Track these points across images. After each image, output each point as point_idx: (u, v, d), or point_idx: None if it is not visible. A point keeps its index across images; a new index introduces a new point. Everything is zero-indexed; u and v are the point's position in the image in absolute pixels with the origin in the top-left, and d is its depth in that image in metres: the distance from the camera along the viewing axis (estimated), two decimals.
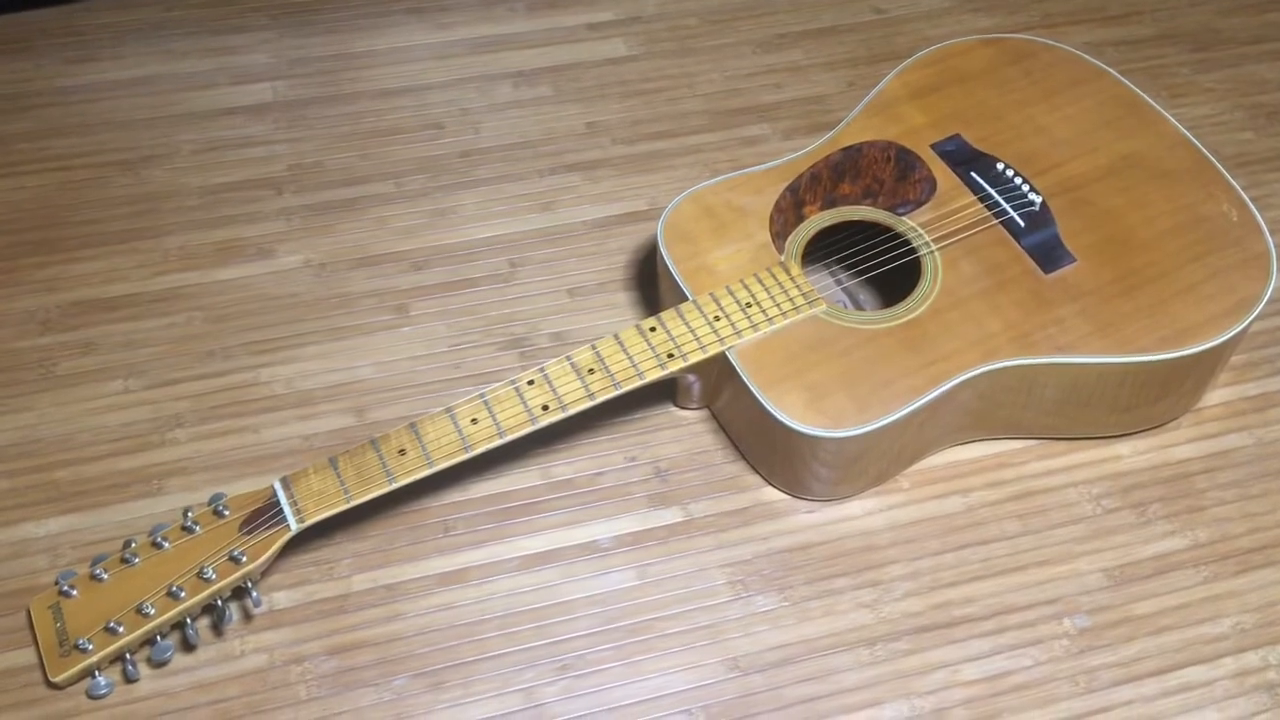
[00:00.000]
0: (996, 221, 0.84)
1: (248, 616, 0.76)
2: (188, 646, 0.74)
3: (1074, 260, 0.82)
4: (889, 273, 0.86)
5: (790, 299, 0.80)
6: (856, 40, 1.14)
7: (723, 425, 0.85)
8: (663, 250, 0.83)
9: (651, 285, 0.94)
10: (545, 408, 0.76)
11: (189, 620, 0.72)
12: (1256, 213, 0.84)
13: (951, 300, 0.80)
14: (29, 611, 0.74)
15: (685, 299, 0.80)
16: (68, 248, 0.95)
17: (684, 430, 0.86)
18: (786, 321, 0.79)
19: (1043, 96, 0.93)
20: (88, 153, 1.02)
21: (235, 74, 1.09)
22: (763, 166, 0.87)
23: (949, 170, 0.88)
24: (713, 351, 0.78)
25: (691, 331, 0.79)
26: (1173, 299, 0.80)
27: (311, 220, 0.98)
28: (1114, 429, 0.85)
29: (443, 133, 1.05)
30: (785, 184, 0.86)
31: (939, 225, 0.85)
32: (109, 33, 1.12)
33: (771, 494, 0.82)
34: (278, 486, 0.74)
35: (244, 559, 0.72)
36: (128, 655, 0.71)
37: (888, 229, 0.86)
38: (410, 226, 0.98)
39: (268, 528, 0.73)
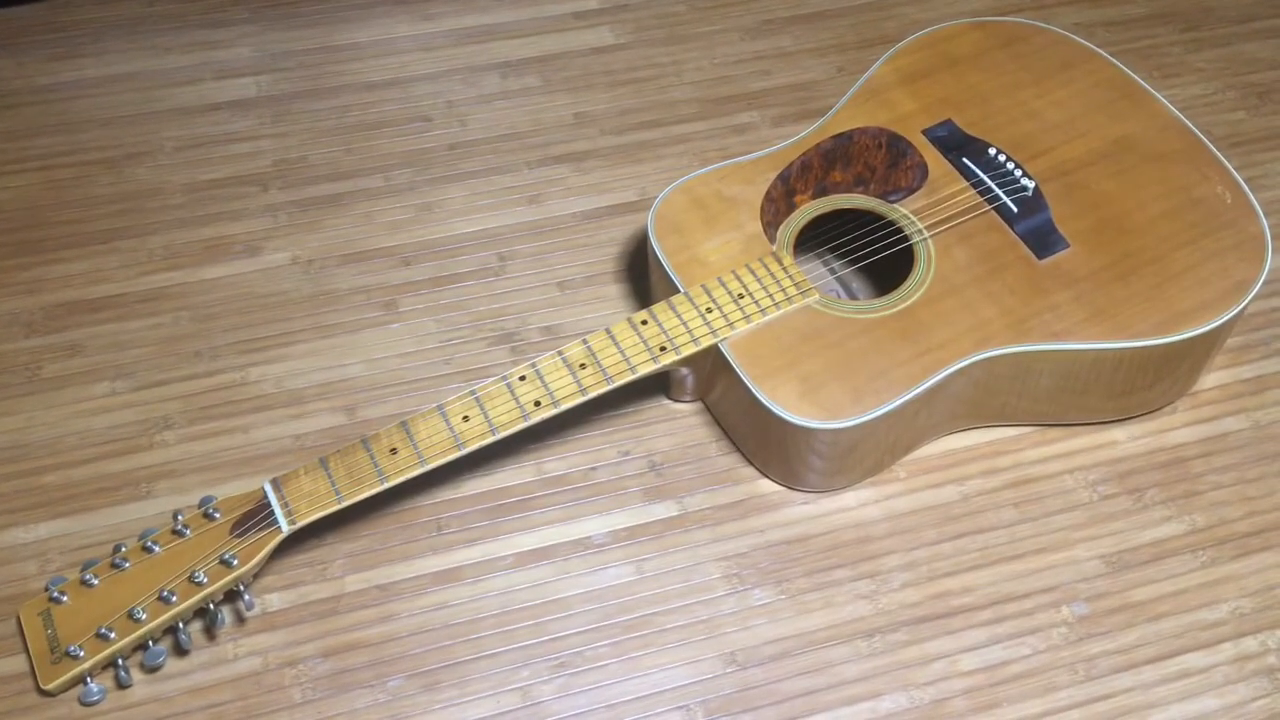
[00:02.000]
0: (989, 207, 0.84)
1: (240, 619, 0.75)
2: (180, 651, 0.73)
3: (1068, 245, 0.81)
4: (882, 261, 0.85)
5: (783, 289, 0.79)
6: (845, 25, 1.13)
7: (717, 418, 0.85)
8: (653, 242, 0.82)
9: (642, 277, 0.93)
10: (537, 403, 0.75)
11: (181, 624, 0.71)
12: (1250, 194, 0.84)
13: (945, 288, 0.79)
14: (19, 618, 0.73)
15: (677, 291, 0.80)
16: (51, 248, 0.94)
17: (678, 423, 0.85)
18: (779, 312, 0.78)
19: (1034, 80, 0.92)
20: (70, 151, 1.01)
21: (218, 69, 1.08)
22: (753, 155, 0.87)
23: (941, 156, 0.87)
24: (705, 344, 0.77)
25: (684, 324, 0.78)
26: (1168, 283, 0.79)
27: (298, 216, 0.97)
28: (1110, 414, 0.85)
29: (429, 125, 1.04)
30: (776, 173, 0.85)
31: (931, 212, 0.84)
32: (90, 29, 1.11)
33: (767, 486, 0.82)
34: (268, 488, 0.73)
35: (235, 562, 0.71)
36: (120, 661, 0.71)
37: (880, 217, 0.85)
38: (398, 221, 0.97)
39: (259, 530, 0.72)
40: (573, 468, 0.83)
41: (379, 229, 0.96)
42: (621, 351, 0.77)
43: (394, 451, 0.74)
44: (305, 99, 1.06)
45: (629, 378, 0.77)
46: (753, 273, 0.80)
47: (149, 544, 0.72)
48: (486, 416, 0.75)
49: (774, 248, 0.82)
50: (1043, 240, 0.82)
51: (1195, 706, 0.73)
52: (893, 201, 0.85)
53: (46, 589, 0.72)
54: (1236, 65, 1.10)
